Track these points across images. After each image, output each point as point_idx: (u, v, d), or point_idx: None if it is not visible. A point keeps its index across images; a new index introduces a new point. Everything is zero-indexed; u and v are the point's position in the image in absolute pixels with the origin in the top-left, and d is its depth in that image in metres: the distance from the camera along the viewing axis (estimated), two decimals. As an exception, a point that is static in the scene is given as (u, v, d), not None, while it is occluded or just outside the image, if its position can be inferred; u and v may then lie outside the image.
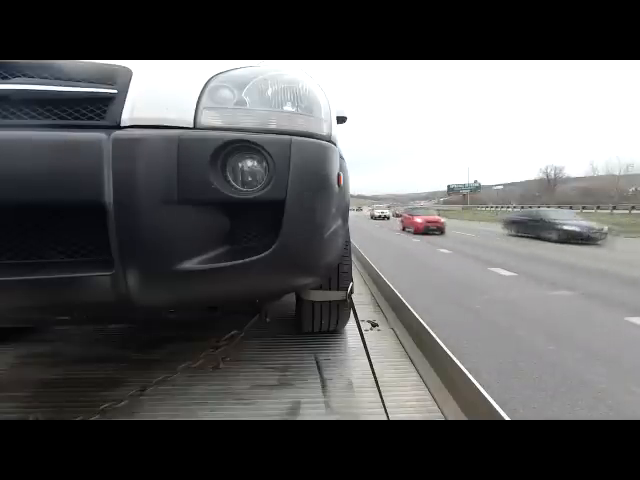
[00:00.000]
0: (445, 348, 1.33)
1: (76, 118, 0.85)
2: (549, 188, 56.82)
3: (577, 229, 11.59)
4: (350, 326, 1.81)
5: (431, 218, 16.29)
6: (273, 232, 0.92)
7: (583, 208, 27.94)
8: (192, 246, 0.87)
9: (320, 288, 1.50)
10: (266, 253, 0.91)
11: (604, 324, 3.75)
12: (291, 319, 1.98)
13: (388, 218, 33.42)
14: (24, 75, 0.84)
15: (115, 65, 0.88)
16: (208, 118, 0.90)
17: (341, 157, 1.15)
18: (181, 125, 0.87)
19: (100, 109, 0.86)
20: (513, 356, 2.91)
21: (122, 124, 0.84)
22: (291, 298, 1.91)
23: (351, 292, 1.54)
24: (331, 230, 1.04)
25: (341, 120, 2.03)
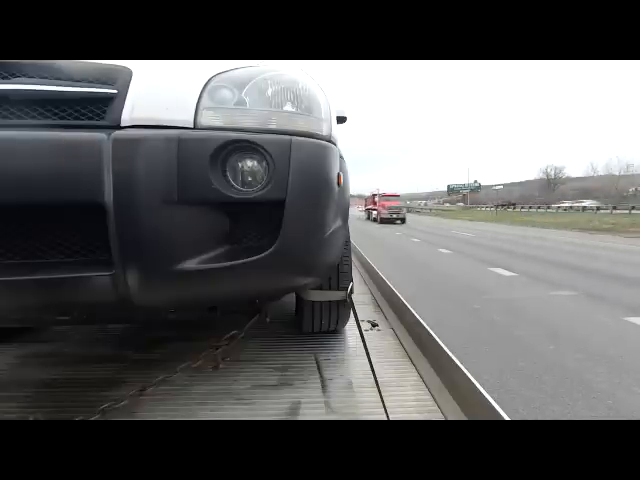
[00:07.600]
0: (445, 348, 1.33)
1: (76, 118, 0.85)
2: (549, 188, 56.80)
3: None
4: (350, 326, 1.81)
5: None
6: (273, 232, 0.92)
7: (583, 209, 27.94)
8: (192, 246, 0.87)
9: (320, 288, 1.50)
10: (266, 253, 0.91)
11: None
12: (291, 319, 1.98)
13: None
14: (24, 75, 0.84)
15: (115, 65, 0.88)
16: (208, 118, 0.89)
17: (341, 157, 1.15)
18: (181, 125, 0.87)
19: (100, 109, 0.86)
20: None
21: (122, 124, 0.84)
22: (291, 298, 1.90)
23: (351, 292, 1.54)
24: (331, 230, 1.04)
25: (341, 120, 2.02)
